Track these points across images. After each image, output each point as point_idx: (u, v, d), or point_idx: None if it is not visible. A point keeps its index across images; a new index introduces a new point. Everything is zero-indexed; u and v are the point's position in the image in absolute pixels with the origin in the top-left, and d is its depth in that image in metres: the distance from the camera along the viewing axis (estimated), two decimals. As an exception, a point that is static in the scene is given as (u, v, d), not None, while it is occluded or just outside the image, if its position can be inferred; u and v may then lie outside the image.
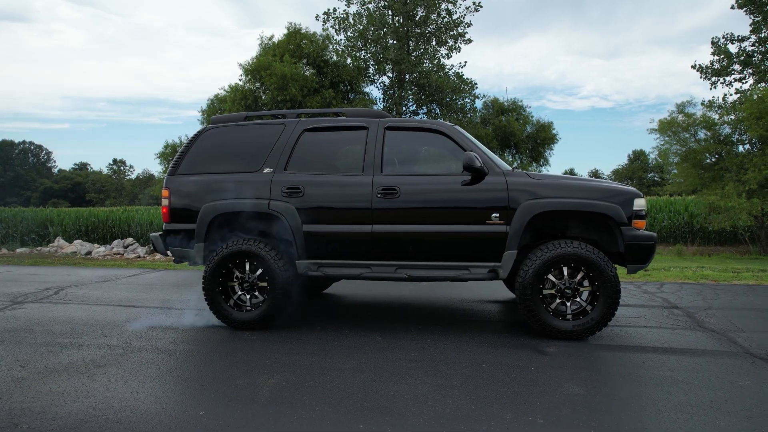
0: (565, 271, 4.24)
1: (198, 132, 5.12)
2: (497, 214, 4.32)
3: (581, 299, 4.27)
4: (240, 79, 19.90)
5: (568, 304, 4.27)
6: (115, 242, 14.83)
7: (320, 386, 3.23)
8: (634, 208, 4.29)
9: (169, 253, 4.97)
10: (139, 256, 13.05)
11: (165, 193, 4.90)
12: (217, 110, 19.93)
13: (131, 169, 75.21)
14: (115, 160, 74.20)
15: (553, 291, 4.27)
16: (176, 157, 5.04)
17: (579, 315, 4.25)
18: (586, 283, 4.25)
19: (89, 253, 14.04)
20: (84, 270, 9.97)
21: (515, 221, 4.28)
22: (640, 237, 4.26)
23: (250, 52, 34.92)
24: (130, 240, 14.83)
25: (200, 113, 21.50)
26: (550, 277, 4.26)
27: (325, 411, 2.84)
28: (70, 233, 17.78)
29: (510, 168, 4.62)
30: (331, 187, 4.63)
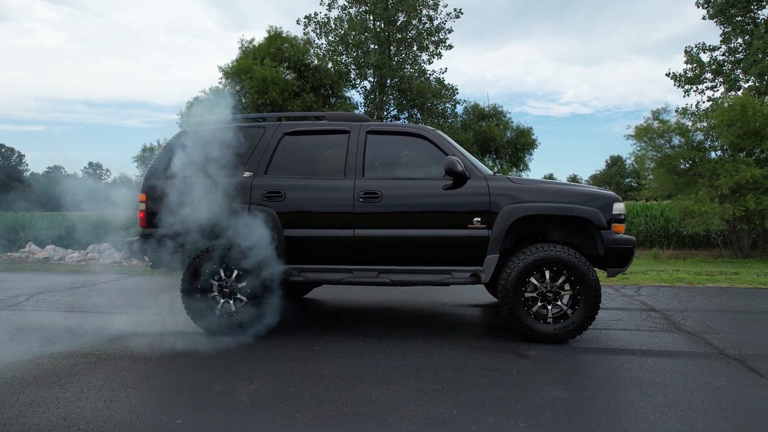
0: (547, 274, 4.26)
1: (176, 134, 5.02)
2: (479, 218, 4.32)
3: (562, 303, 4.30)
4: (220, 82, 19.73)
5: (549, 307, 4.29)
6: (90, 247, 14.46)
7: (300, 392, 3.18)
8: (614, 212, 4.34)
9: (146, 258, 4.86)
10: (116, 262, 12.75)
11: (142, 197, 4.79)
12: (197, 114, 19.68)
13: (107, 173, 73.65)
14: (90, 164, 72.64)
15: (534, 294, 4.29)
16: (153, 160, 4.93)
17: (560, 318, 4.28)
18: (567, 286, 4.27)
19: (62, 258, 13.66)
20: (56, 276, 9.70)
21: (497, 225, 4.29)
22: (620, 241, 4.32)
23: (232, 54, 34.62)
24: (105, 245, 14.47)
25: (179, 116, 21.22)
26: (532, 280, 4.28)
27: (305, 417, 2.80)
28: (43, 238, 17.29)
29: (491, 172, 4.64)
30: (312, 191, 4.58)
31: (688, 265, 11.40)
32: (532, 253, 4.23)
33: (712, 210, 12.42)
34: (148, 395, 3.15)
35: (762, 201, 12.18)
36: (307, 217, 4.54)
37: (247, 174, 4.65)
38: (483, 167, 4.71)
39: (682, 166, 14.22)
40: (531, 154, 27.10)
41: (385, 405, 2.97)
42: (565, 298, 4.30)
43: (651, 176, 15.85)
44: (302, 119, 5.04)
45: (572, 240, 4.59)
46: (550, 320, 4.28)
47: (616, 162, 60.05)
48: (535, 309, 4.30)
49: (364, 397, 3.10)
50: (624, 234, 4.44)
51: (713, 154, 14.07)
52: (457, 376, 3.49)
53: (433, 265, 4.42)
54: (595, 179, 60.77)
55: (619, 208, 4.38)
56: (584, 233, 4.54)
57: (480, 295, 6.72)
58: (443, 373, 3.55)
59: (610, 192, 4.58)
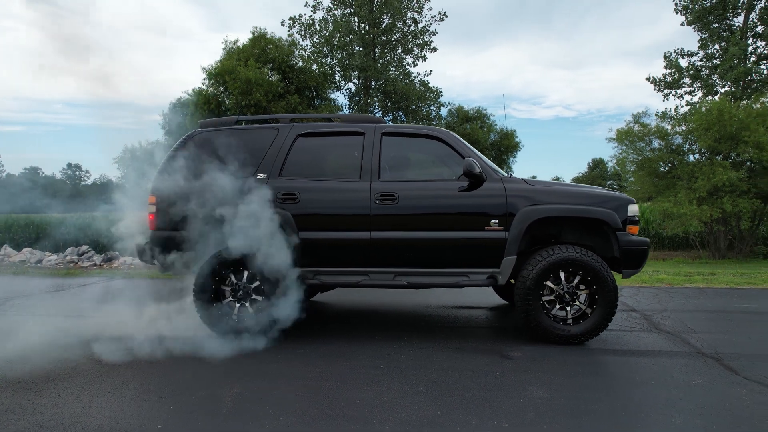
0: (566, 276, 4.26)
1: (186, 136, 4.90)
2: (496, 220, 4.32)
3: (581, 304, 4.30)
4: (203, 83, 19.53)
5: (568, 308, 4.30)
6: (69, 250, 14.17)
7: (284, 395, 3.16)
8: (628, 214, 4.37)
9: (155, 261, 4.74)
10: (96, 264, 12.52)
11: (151, 199, 4.67)
12: (180, 114, 19.45)
13: (87, 174, 72.20)
14: (69, 165, 71.17)
15: (552, 296, 4.29)
16: (163, 162, 4.80)
17: (578, 320, 4.29)
18: (585, 288, 4.28)
19: (40, 261, 13.37)
20: (33, 279, 9.48)
21: (514, 227, 4.28)
22: (635, 242, 4.35)
23: (217, 56, 34.25)
24: (85, 247, 14.20)
25: (161, 117, 20.93)
26: (550, 282, 4.28)
27: (289, 420, 2.78)
28: (19, 241, 16.90)
29: (506, 174, 4.62)
30: (328, 193, 4.53)
31: (668, 266, 11.61)
32: (550, 255, 4.23)
33: (691, 212, 12.67)
34: (128, 400, 3.10)
35: (738, 203, 12.47)
36: (323, 219, 4.49)
37: (260, 176, 4.59)
38: (498, 169, 4.69)
39: (662, 169, 14.50)
40: (515, 157, 27.38)
41: (370, 407, 2.97)
42: (583, 300, 4.30)
43: (632, 178, 16.12)
44: (314, 121, 4.96)
45: (586, 242, 4.59)
46: (569, 322, 4.29)
47: (598, 164, 60.96)
48: (553, 311, 4.31)
49: (349, 399, 3.09)
50: (638, 235, 4.46)
51: (691, 158, 14.37)
52: (441, 377, 3.50)
53: (449, 267, 4.39)
54: (578, 181, 61.59)
55: (633, 209, 4.40)
56: (598, 235, 4.55)
57: (464, 297, 6.76)
58: (427, 374, 3.56)
59: (624, 194, 4.59)
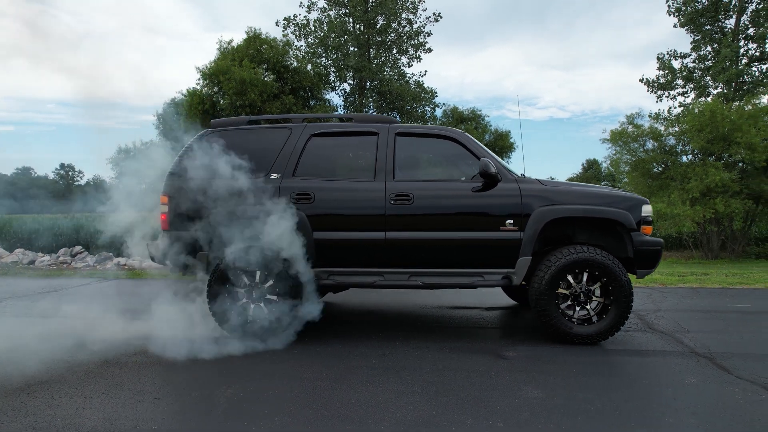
0: (582, 276, 4.26)
1: (198, 135, 4.89)
2: (511, 221, 4.32)
3: (590, 309, 4.30)
4: (197, 84, 19.46)
5: (578, 308, 4.31)
6: (62, 250, 14.07)
7: (279, 396, 3.15)
8: (642, 214, 4.38)
9: (167, 261, 4.71)
10: (89, 265, 12.43)
11: (164, 199, 4.64)
12: (173, 114, 19.39)
13: (80, 175, 71.74)
14: (62, 165, 70.66)
15: (568, 295, 4.29)
16: (175, 161, 4.77)
17: (594, 319, 4.30)
18: (599, 289, 4.28)
19: (32, 262, 13.27)
20: (26, 280, 9.41)
21: (529, 227, 4.28)
22: (649, 242, 4.36)
23: (211, 56, 34.17)
24: (78, 248, 14.10)
25: (155, 117, 20.84)
26: (567, 281, 4.27)
27: (284, 421, 2.78)
28: (11, 242, 16.77)
29: (519, 174, 4.62)
30: (342, 193, 4.52)
31: (661, 266, 11.68)
32: (565, 256, 4.23)
33: (684, 212, 12.78)
34: (122, 402, 3.08)
35: (730, 204, 12.58)
36: (338, 219, 4.47)
37: (274, 176, 4.58)
38: (512, 169, 4.69)
39: (656, 170, 14.60)
40: (509, 157, 27.48)
41: (365, 407, 2.97)
42: (594, 306, 4.31)
43: (626, 179, 16.23)
44: (326, 121, 4.97)
45: (598, 242, 4.58)
46: (584, 322, 4.29)
47: (592, 165, 61.15)
48: (568, 311, 4.31)
49: (344, 399, 3.09)
50: (651, 236, 4.46)
51: (684, 158, 14.48)
52: (436, 377, 3.50)
53: (464, 267, 4.39)
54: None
55: (647, 210, 4.41)
56: (612, 235, 4.55)
57: (461, 298, 6.77)
58: (422, 374, 3.56)
59: (637, 195, 4.59)
